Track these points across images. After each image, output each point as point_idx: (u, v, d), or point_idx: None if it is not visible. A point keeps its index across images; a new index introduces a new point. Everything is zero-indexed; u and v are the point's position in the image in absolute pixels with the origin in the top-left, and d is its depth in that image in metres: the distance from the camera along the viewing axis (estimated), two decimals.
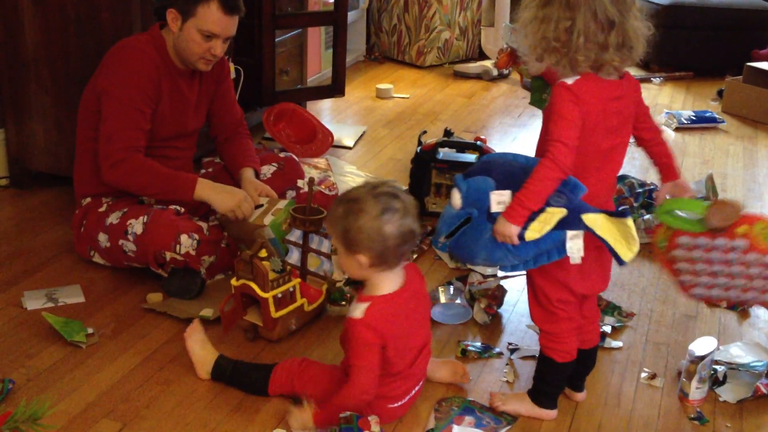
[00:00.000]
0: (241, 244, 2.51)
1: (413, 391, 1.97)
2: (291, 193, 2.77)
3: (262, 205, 2.52)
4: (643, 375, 2.22)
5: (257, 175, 2.67)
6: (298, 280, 2.27)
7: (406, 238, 1.80)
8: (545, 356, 1.98)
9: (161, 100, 2.47)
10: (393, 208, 1.78)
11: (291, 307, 2.25)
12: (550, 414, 2.03)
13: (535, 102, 2.53)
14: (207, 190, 2.44)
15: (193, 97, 2.58)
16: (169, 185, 2.41)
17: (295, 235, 2.42)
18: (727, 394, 2.14)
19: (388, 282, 1.85)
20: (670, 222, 1.89)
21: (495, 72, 4.90)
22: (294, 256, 2.50)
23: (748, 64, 4.52)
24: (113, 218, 2.45)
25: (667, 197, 1.94)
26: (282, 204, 2.52)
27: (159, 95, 2.45)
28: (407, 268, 1.91)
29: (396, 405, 1.94)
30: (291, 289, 2.25)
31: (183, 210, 2.48)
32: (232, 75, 3.33)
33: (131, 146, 2.38)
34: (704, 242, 1.89)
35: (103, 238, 2.47)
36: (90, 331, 2.25)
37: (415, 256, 2.78)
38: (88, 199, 2.55)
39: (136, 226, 2.39)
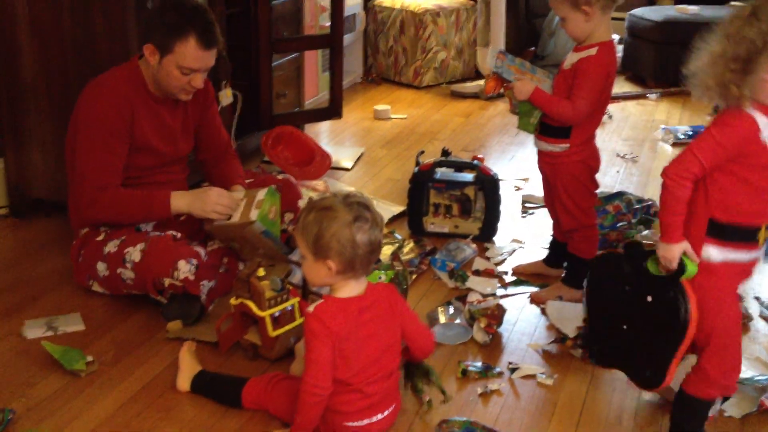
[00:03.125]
0: (233, 244, 2.52)
1: (377, 417, 1.95)
2: (289, 216, 2.77)
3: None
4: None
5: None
6: (297, 298, 2.28)
7: (374, 248, 1.88)
8: None
9: (141, 133, 2.48)
10: (364, 217, 1.85)
11: (290, 326, 2.26)
12: None
13: (524, 126, 2.53)
14: (181, 202, 2.47)
15: (177, 124, 2.60)
16: (146, 209, 2.46)
17: (298, 255, 2.43)
18: (732, 409, 2.13)
19: (347, 290, 1.90)
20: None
21: (490, 95, 4.92)
22: (297, 275, 2.51)
23: None
24: (111, 247, 2.46)
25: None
26: (261, 194, 2.49)
27: (133, 130, 2.46)
28: (379, 288, 1.96)
29: (354, 424, 1.93)
30: (289, 308, 2.25)
31: (180, 235, 2.49)
32: (230, 99, 3.36)
33: (102, 185, 2.43)
34: None
35: (101, 267, 2.48)
36: (90, 359, 2.25)
37: (414, 276, 2.78)
38: (86, 229, 2.57)
39: (134, 253, 2.39)
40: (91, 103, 2.44)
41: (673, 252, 1.85)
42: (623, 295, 2.01)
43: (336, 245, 1.82)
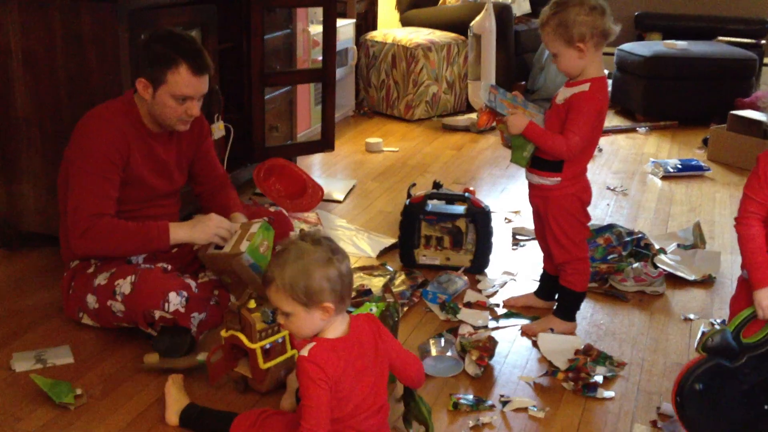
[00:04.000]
0: (225, 277, 2.51)
1: None
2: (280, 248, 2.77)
3: (235, 232, 2.51)
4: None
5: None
6: (288, 331, 2.27)
7: (352, 276, 1.89)
8: None
9: (135, 166, 2.48)
10: (336, 249, 1.86)
11: (280, 359, 2.25)
12: None
13: (516, 159, 2.55)
14: (181, 231, 2.47)
15: (171, 158, 2.61)
16: (142, 239, 2.43)
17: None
18: None
19: (332, 329, 1.87)
20: None
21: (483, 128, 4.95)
22: None
23: (732, 112, 4.58)
24: (101, 279, 2.45)
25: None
26: (255, 227, 2.50)
27: (127, 162, 2.46)
28: (361, 320, 1.93)
29: None
30: (280, 340, 2.24)
31: (170, 267, 2.49)
32: (222, 132, 3.37)
33: (97, 213, 2.40)
34: None
35: (91, 299, 2.46)
36: (79, 392, 2.23)
37: (405, 308, 2.78)
38: (76, 262, 2.56)
39: (124, 286, 2.39)
40: (88, 134, 2.44)
41: (763, 299, 1.83)
42: (743, 381, 1.86)
43: (328, 285, 1.80)
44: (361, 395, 1.87)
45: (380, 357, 1.93)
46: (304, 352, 1.83)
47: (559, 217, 2.55)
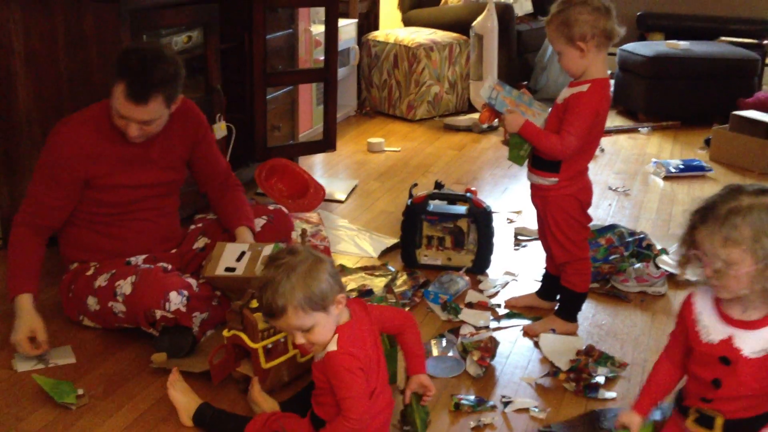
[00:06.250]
0: (230, 294, 2.51)
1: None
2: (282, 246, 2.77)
3: (243, 253, 2.51)
4: None
5: (253, 233, 2.68)
6: None
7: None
8: None
9: (105, 175, 2.47)
10: (309, 247, 1.95)
11: (282, 358, 2.25)
12: None
13: (514, 158, 2.54)
14: (17, 309, 2.40)
15: (154, 155, 2.55)
16: (8, 272, 2.47)
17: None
18: None
19: (342, 318, 1.92)
20: None
21: (485, 125, 4.96)
22: None
23: (734, 112, 4.58)
24: (101, 281, 2.45)
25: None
26: (268, 250, 2.49)
27: (92, 174, 2.45)
28: (351, 303, 1.98)
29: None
30: (282, 340, 2.24)
31: (171, 267, 2.49)
32: (224, 132, 3.37)
33: (25, 221, 2.46)
34: None
35: (92, 301, 2.47)
36: (80, 392, 2.23)
37: (407, 308, 2.78)
38: (75, 264, 2.56)
39: (125, 286, 2.39)
40: (50, 143, 2.47)
41: (622, 416, 1.93)
42: None
43: (332, 279, 1.85)
44: (377, 365, 1.92)
45: (376, 323, 1.98)
46: (332, 346, 1.85)
47: (557, 217, 2.55)
